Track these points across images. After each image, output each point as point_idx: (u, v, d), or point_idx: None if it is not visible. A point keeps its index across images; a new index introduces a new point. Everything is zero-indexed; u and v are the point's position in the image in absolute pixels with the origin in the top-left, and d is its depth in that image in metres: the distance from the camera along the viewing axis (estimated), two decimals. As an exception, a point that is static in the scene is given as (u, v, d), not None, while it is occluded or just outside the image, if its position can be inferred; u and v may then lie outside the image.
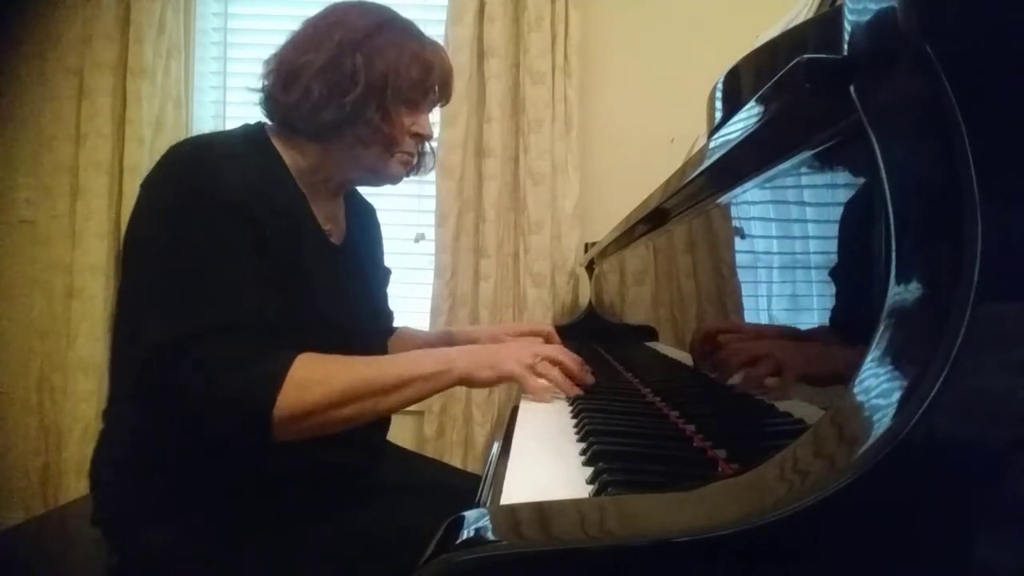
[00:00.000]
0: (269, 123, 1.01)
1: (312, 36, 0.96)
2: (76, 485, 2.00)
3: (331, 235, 1.03)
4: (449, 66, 1.05)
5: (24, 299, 2.15)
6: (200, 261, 0.82)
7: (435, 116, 2.17)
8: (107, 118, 2.08)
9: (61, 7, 2.10)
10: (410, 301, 2.16)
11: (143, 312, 0.84)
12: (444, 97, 1.07)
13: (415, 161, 1.08)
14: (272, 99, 0.97)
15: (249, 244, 0.84)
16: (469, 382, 0.93)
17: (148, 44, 2.07)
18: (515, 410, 0.92)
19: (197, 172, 0.86)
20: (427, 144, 1.09)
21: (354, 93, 0.93)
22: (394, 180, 1.07)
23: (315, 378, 0.82)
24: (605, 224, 1.65)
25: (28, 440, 2.11)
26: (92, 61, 2.07)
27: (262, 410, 0.78)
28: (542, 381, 0.97)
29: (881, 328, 0.34)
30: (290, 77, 0.94)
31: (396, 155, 1.02)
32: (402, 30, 1.00)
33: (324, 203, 1.03)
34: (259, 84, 0.99)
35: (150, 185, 0.88)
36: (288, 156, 0.98)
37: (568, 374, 1.00)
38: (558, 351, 1.02)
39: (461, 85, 2.03)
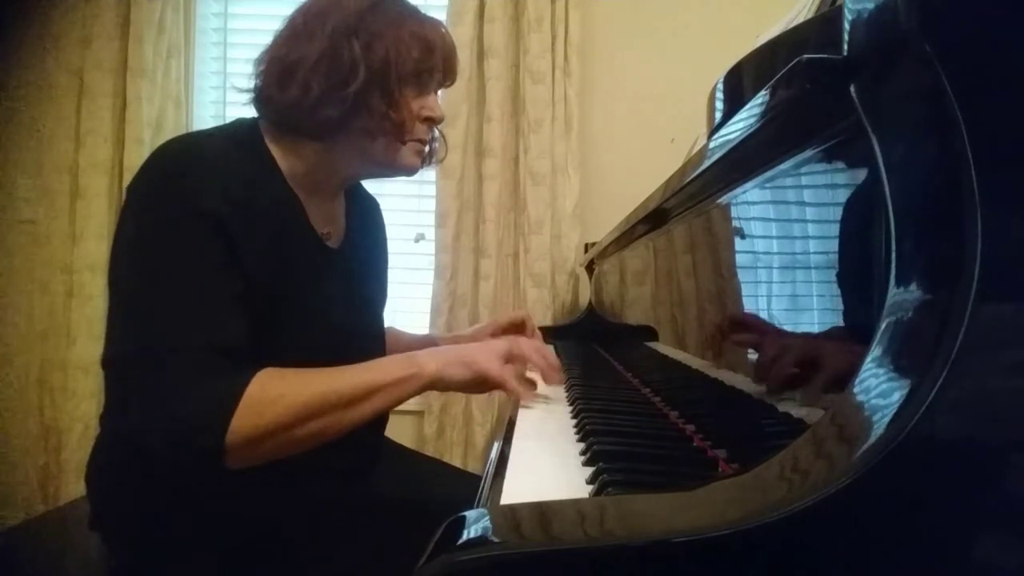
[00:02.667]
0: (264, 121, 0.95)
1: (303, 27, 0.90)
2: (76, 485, 2.00)
3: (328, 238, 0.99)
4: (451, 43, 0.99)
5: (24, 299, 2.15)
6: (160, 275, 0.78)
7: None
8: (107, 118, 2.08)
9: (61, 7, 2.10)
10: (410, 301, 2.16)
11: (110, 322, 0.81)
12: (450, 77, 1.01)
13: (428, 149, 1.03)
14: (267, 99, 0.91)
15: (216, 258, 0.79)
16: (443, 383, 0.88)
17: (148, 44, 2.07)
18: (515, 410, 0.92)
19: (171, 178, 0.81)
20: (437, 130, 1.04)
21: (356, 83, 0.88)
22: (409, 171, 1.00)
23: (270, 397, 0.76)
24: (605, 224, 1.65)
25: (28, 440, 2.11)
26: (92, 61, 2.07)
27: (214, 436, 0.73)
28: (521, 385, 0.94)
29: (881, 328, 0.34)
30: (285, 74, 0.88)
31: (408, 143, 0.97)
32: (397, 9, 0.94)
33: (322, 204, 0.98)
34: (250, 84, 0.93)
35: (131, 189, 0.85)
36: (283, 158, 0.93)
37: (541, 366, 0.97)
38: (529, 347, 0.97)
39: (461, 85, 2.03)
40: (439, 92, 1.02)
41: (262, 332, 0.83)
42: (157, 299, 0.77)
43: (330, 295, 0.95)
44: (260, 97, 0.92)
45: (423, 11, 0.99)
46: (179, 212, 0.79)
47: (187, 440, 0.73)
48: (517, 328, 1.28)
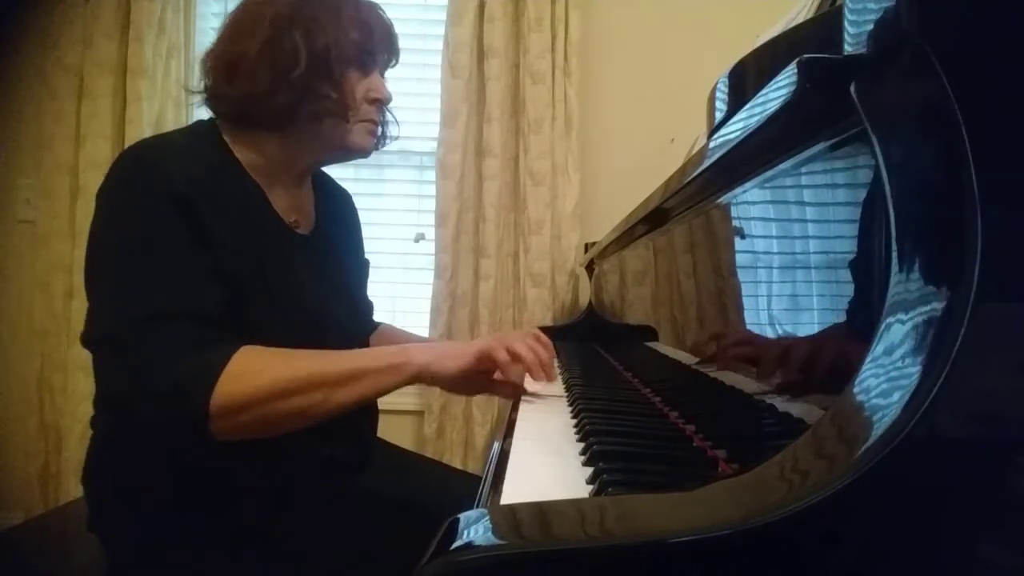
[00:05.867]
0: (219, 119, 0.97)
1: (243, 22, 0.93)
2: (76, 486, 1.99)
3: (297, 226, 1.00)
4: (389, 24, 1.02)
5: (24, 299, 2.15)
6: (135, 254, 0.81)
7: (434, 116, 2.17)
8: (107, 118, 2.08)
9: (61, 7, 2.09)
10: (410, 301, 2.16)
11: (88, 310, 0.84)
12: (392, 56, 1.04)
13: (380, 130, 1.05)
14: (218, 95, 0.94)
15: (187, 237, 0.82)
16: (432, 375, 0.87)
17: (148, 44, 2.07)
18: (515, 410, 0.92)
19: (137, 169, 0.85)
20: (389, 112, 1.06)
21: (299, 69, 0.91)
22: (362, 152, 1.03)
23: (254, 369, 0.79)
24: (605, 224, 1.65)
25: (28, 440, 2.11)
26: (92, 61, 2.07)
27: (197, 401, 0.75)
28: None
29: (881, 328, 0.34)
30: (232, 68, 0.91)
31: (357, 124, 0.99)
32: None
33: (286, 193, 1.00)
34: (200, 84, 0.96)
35: (100, 190, 0.87)
36: (241, 151, 0.95)
37: (537, 353, 0.93)
38: (528, 337, 0.94)
39: (461, 85, 2.03)
40: (387, 76, 1.05)
41: (237, 317, 0.84)
42: (134, 276, 0.80)
43: (302, 280, 0.96)
44: (211, 95, 0.95)
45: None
46: (147, 197, 0.82)
47: (171, 406, 0.76)
48: None
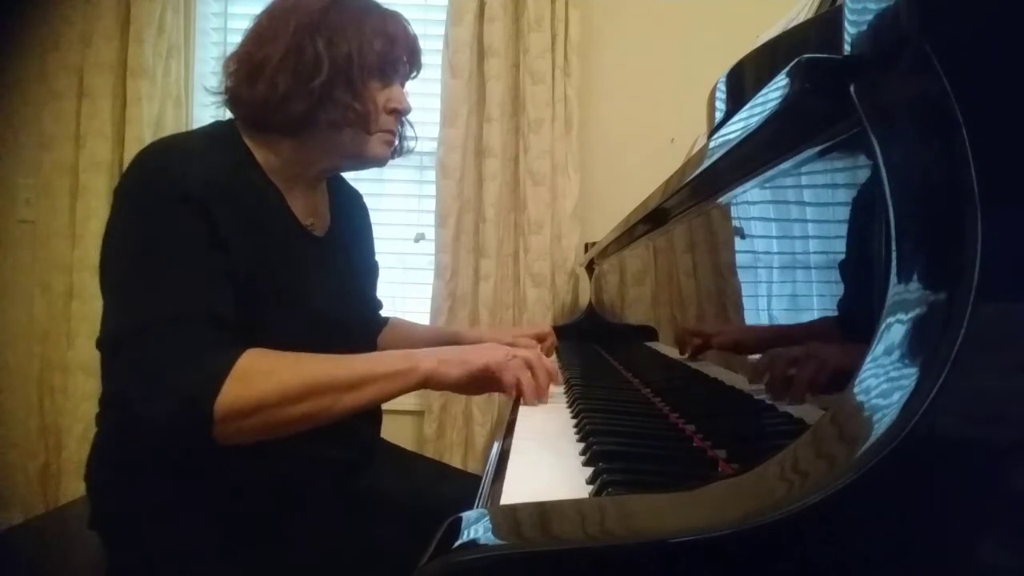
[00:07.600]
0: (238, 120, 0.98)
1: (268, 27, 0.94)
2: (76, 485, 1.99)
3: (313, 228, 1.01)
4: (413, 35, 1.02)
5: (24, 299, 2.15)
6: (150, 256, 0.81)
7: (434, 116, 2.17)
8: (107, 118, 2.07)
9: (61, 7, 2.09)
10: (410, 301, 2.16)
11: (103, 309, 0.84)
12: (414, 67, 1.04)
13: (397, 140, 1.06)
14: (238, 98, 0.94)
15: (202, 239, 0.82)
16: (437, 381, 0.89)
17: (148, 44, 2.07)
18: (515, 410, 0.92)
19: (154, 170, 0.85)
20: (407, 122, 1.07)
21: (320, 77, 0.91)
22: (378, 161, 1.04)
23: (261, 371, 0.79)
24: (605, 224, 1.65)
25: (28, 440, 2.11)
26: (92, 61, 2.07)
27: (202, 403, 0.74)
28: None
29: (881, 328, 0.34)
30: (253, 73, 0.92)
31: (375, 134, 0.99)
32: (358, 6, 0.97)
33: (303, 195, 1.01)
34: (220, 86, 0.96)
35: (118, 189, 0.88)
36: (259, 152, 0.95)
37: (537, 380, 0.95)
38: (533, 356, 0.96)
39: (461, 85, 2.03)
40: (406, 85, 1.05)
41: (249, 319, 0.84)
42: (148, 278, 0.80)
43: (317, 283, 0.97)
44: (231, 97, 0.95)
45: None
46: (164, 199, 0.82)
47: (178, 409, 0.75)
48: (538, 341, 1.30)
